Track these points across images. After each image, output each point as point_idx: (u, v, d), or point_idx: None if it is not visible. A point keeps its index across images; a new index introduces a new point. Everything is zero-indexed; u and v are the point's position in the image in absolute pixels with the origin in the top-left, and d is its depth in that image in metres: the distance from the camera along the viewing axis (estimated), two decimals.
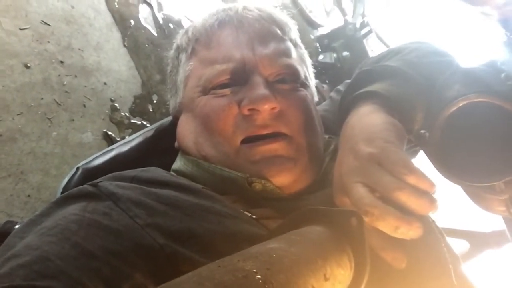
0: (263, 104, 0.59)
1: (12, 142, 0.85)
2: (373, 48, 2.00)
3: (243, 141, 0.60)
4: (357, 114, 0.57)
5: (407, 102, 0.58)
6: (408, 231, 0.41)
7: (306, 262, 0.32)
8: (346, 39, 1.98)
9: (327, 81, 1.95)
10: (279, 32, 0.69)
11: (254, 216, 0.56)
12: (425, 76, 0.60)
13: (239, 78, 0.63)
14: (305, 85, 0.69)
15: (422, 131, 0.50)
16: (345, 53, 1.96)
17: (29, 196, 0.85)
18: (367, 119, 0.53)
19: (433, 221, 0.61)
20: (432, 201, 0.42)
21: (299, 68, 0.68)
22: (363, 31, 1.98)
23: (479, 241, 1.52)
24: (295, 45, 0.73)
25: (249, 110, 0.60)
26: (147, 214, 0.50)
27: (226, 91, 0.63)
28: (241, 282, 0.24)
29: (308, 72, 0.73)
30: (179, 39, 0.74)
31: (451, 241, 0.63)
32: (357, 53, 1.95)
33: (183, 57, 0.72)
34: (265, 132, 0.60)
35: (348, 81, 0.74)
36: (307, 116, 0.64)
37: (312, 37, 2.11)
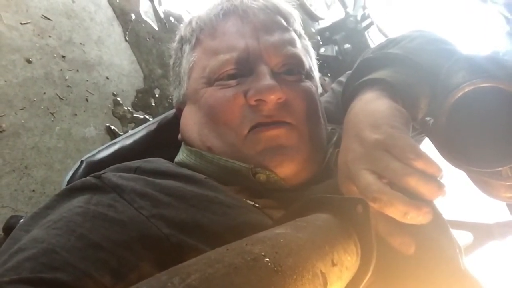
0: (269, 94, 0.58)
1: (16, 137, 0.85)
2: (375, 40, 1.99)
3: (250, 130, 0.60)
4: (361, 101, 0.56)
5: (411, 89, 0.57)
6: (418, 216, 0.41)
7: (313, 247, 0.32)
8: (347, 31, 1.97)
9: (329, 74, 1.95)
10: (284, 22, 0.69)
11: (257, 205, 0.56)
12: (429, 63, 0.60)
13: (244, 68, 0.63)
14: (309, 76, 0.69)
15: (427, 118, 0.49)
16: (347, 46, 1.95)
17: (33, 191, 0.86)
18: (372, 105, 0.53)
19: (436, 206, 0.61)
20: (440, 185, 0.42)
21: (304, 58, 0.68)
22: (364, 24, 1.98)
23: (483, 232, 1.51)
24: (300, 36, 0.72)
25: (256, 100, 0.59)
26: (151, 205, 0.50)
27: (232, 82, 0.62)
28: (250, 265, 0.24)
29: (312, 63, 0.73)
30: (183, 30, 0.73)
31: (455, 233, 0.63)
32: (358, 46, 1.95)
33: (187, 48, 0.71)
34: (270, 120, 0.60)
35: (350, 72, 0.74)
36: (312, 107, 0.64)
37: (313, 30, 2.10)
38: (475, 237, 1.50)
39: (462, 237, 1.48)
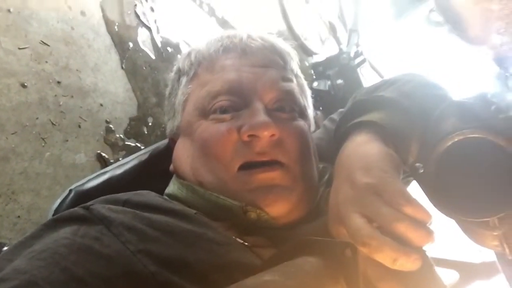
0: (263, 130, 0.59)
1: (5, 161, 0.84)
2: (367, 77, 2.03)
3: (240, 168, 0.60)
4: (353, 143, 0.57)
5: (402, 133, 0.58)
6: (407, 263, 0.41)
7: None
8: (341, 67, 2.01)
9: (321, 108, 1.97)
10: (280, 61, 0.70)
11: (247, 244, 0.56)
12: (420, 107, 0.61)
13: (238, 100, 0.64)
14: (303, 115, 0.70)
15: (417, 164, 0.50)
16: (339, 81, 1.98)
17: (18, 217, 0.84)
18: (363, 148, 0.54)
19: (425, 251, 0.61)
20: (429, 232, 0.42)
21: (299, 96, 0.69)
22: (357, 60, 2.02)
23: (469, 271, 1.50)
24: (296, 75, 0.73)
25: (249, 136, 0.60)
26: (138, 239, 0.50)
27: (226, 116, 0.63)
28: None
29: (307, 102, 0.74)
30: (181, 62, 0.74)
31: (440, 271, 0.63)
32: (351, 81, 1.98)
33: (184, 80, 0.72)
34: (263, 159, 0.60)
35: (342, 109, 0.75)
36: (304, 146, 0.65)
37: (307, 64, 2.14)
38: (461, 276, 1.49)
39: (448, 276, 1.47)
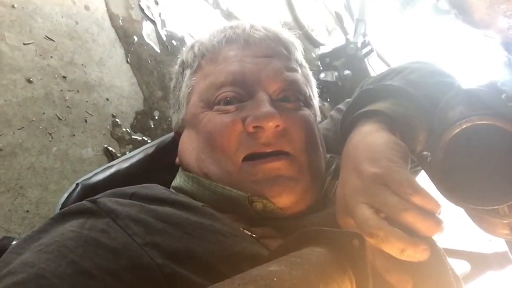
0: (268, 121, 0.59)
1: (12, 156, 0.85)
2: (374, 67, 2.01)
3: (245, 159, 0.60)
4: (360, 132, 0.56)
5: (410, 122, 0.57)
6: (415, 254, 0.40)
7: (307, 286, 0.31)
8: (348, 58, 1.99)
9: (328, 99, 1.96)
10: (284, 51, 0.70)
11: (254, 235, 0.56)
12: (427, 96, 0.60)
13: (243, 91, 0.63)
14: (308, 104, 0.69)
15: (424, 153, 0.49)
16: (347, 72, 1.96)
17: (27, 211, 0.85)
18: (371, 138, 0.53)
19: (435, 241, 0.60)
20: (438, 222, 0.42)
21: (303, 86, 0.68)
22: (365, 50, 1.99)
23: (480, 262, 1.50)
24: (300, 64, 0.73)
25: (253, 127, 0.59)
26: (145, 232, 0.50)
27: (230, 108, 0.63)
28: None
29: (312, 91, 0.74)
30: (185, 54, 0.74)
31: (452, 261, 0.62)
32: (358, 72, 1.96)
33: (187, 72, 0.72)
34: (268, 150, 0.60)
35: (349, 100, 0.74)
36: (310, 135, 0.64)
37: (313, 55, 2.12)
38: (472, 266, 1.48)
39: (459, 266, 1.46)
